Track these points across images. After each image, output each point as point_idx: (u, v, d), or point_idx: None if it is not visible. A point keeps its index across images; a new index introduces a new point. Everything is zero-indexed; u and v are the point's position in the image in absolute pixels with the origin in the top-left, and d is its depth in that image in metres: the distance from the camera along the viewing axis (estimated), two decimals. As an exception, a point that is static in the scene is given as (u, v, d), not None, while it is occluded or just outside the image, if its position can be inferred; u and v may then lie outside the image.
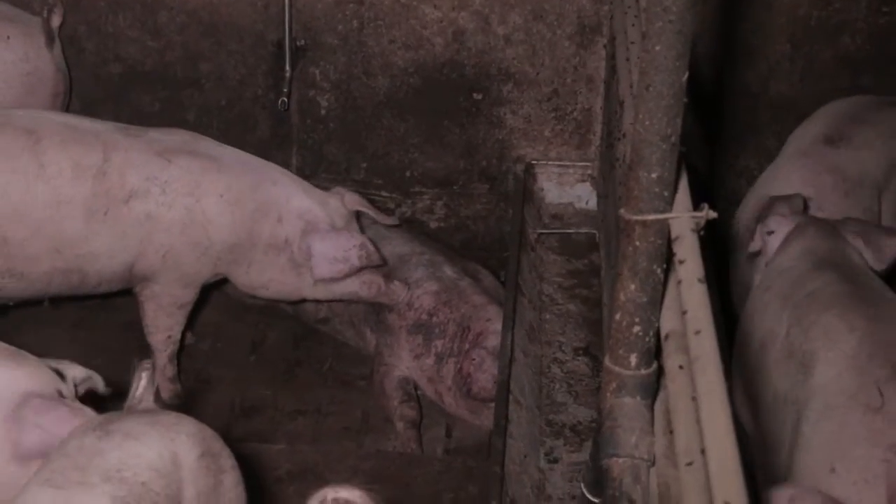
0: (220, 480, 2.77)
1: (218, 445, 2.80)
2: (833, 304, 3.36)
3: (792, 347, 3.35)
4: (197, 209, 3.99)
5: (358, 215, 4.31)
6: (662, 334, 2.17)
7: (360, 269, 4.15)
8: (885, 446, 2.92)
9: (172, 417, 2.78)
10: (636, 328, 2.17)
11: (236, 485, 2.85)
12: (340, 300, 4.40)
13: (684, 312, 2.00)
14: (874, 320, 3.26)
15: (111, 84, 4.96)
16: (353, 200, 4.25)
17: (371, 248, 4.13)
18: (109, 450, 2.56)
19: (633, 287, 2.14)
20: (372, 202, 4.46)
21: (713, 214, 2.13)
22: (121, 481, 2.50)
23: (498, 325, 4.20)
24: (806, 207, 3.92)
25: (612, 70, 4.41)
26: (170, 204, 3.95)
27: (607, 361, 2.25)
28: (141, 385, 2.80)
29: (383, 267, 4.31)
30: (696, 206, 2.15)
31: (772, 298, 3.56)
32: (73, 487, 2.47)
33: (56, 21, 4.69)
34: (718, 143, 5.00)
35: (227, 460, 2.82)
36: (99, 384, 3.02)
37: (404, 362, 4.37)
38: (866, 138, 4.30)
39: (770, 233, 3.79)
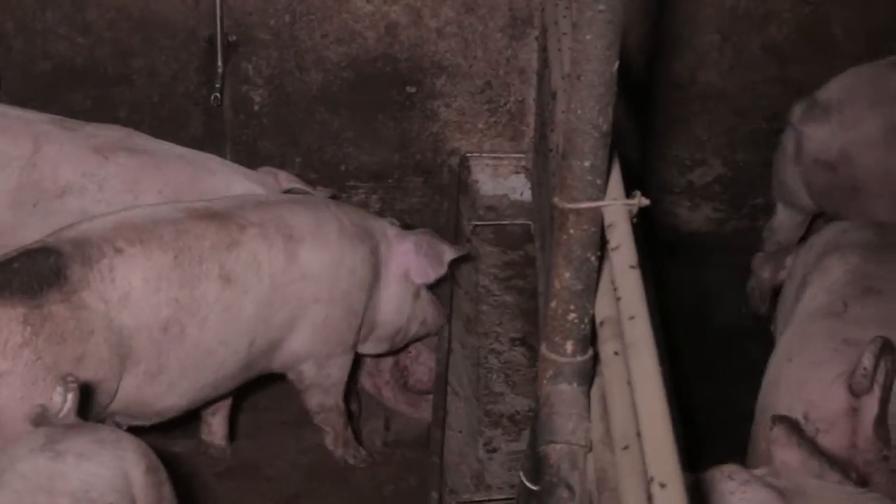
0: (162, 494, 2.76)
1: (155, 458, 2.79)
2: (843, 247, 3.61)
3: (801, 284, 3.63)
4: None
5: None
6: (598, 321, 2.19)
7: None
8: (839, 340, 3.17)
9: (112, 434, 2.75)
10: (571, 315, 2.19)
11: (172, 494, 2.84)
12: None
13: (618, 299, 2.02)
14: (868, 260, 3.50)
15: (41, 82, 4.91)
16: (286, 178, 4.28)
17: None
18: (68, 471, 2.54)
19: (567, 275, 2.16)
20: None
21: (645, 202, 2.16)
22: (90, 502, 2.49)
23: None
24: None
25: (544, 62, 4.44)
26: (108, 201, 3.91)
27: (543, 349, 2.27)
28: (69, 398, 2.75)
29: None
30: (629, 194, 2.17)
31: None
32: None
33: (-17, 18, 4.63)
34: (650, 132, 5.05)
35: (164, 472, 2.81)
36: None
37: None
38: None
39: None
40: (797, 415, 3.15)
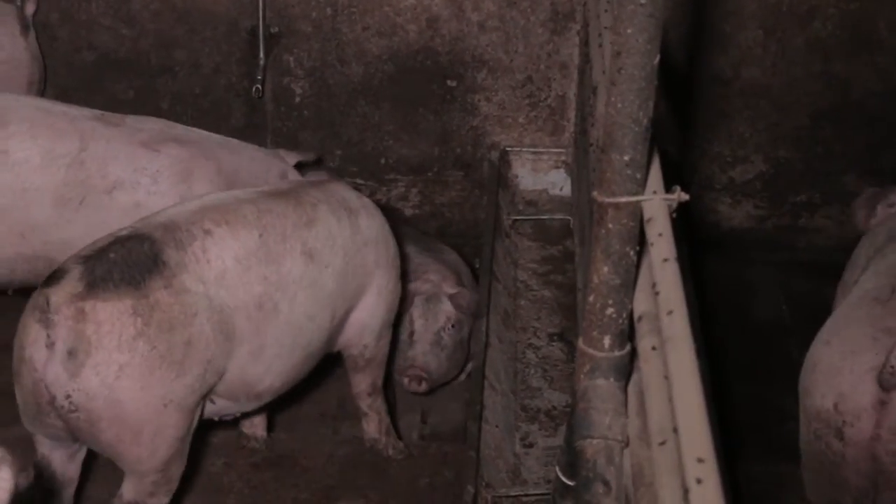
0: None
1: None
2: None
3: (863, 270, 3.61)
4: (189, 196, 3.97)
5: None
6: (636, 316, 2.18)
7: None
8: (878, 328, 3.16)
9: None
10: (609, 310, 2.18)
11: None
12: None
13: (657, 293, 2.01)
14: None
15: (85, 72, 4.94)
16: (291, 155, 4.38)
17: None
18: None
19: (606, 269, 2.15)
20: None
21: (685, 196, 2.14)
22: None
23: (432, 276, 4.27)
24: None
25: (585, 56, 4.42)
26: (163, 193, 3.92)
27: (581, 344, 2.26)
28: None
29: None
30: (669, 189, 2.17)
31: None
32: None
33: (30, 9, 4.67)
34: (691, 129, 5.02)
35: None
36: None
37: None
38: None
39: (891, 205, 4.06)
40: (828, 404, 3.15)
